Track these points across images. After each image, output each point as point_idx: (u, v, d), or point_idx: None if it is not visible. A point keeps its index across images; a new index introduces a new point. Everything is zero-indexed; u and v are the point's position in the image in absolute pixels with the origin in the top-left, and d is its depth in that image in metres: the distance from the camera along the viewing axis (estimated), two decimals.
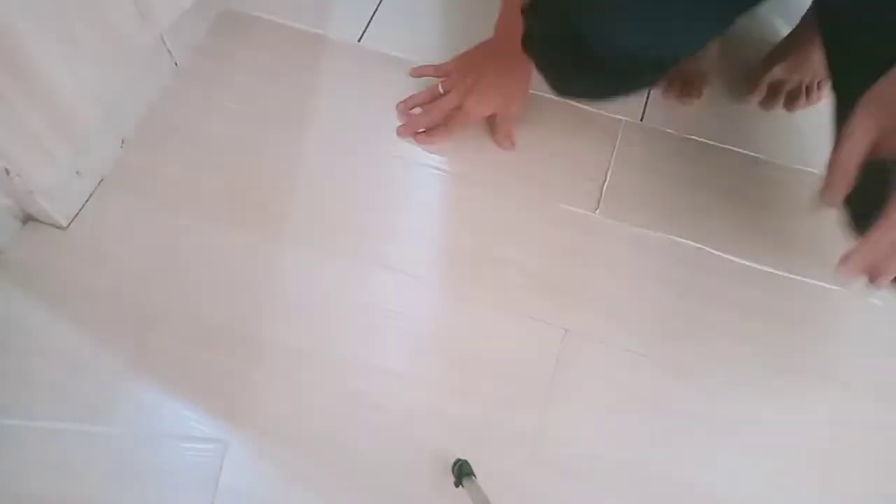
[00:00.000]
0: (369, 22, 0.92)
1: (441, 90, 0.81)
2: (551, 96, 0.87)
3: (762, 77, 0.87)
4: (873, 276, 0.58)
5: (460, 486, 0.60)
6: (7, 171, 0.63)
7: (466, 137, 0.83)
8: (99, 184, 0.77)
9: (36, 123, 0.62)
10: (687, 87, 0.87)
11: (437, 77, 0.83)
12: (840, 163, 0.54)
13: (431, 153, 0.82)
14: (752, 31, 0.94)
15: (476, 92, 0.78)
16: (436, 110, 0.81)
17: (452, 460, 0.63)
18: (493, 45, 0.81)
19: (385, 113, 0.84)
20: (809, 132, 0.87)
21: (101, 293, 0.71)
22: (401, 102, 0.84)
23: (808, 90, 0.87)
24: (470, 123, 0.80)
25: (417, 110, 0.83)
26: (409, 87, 0.86)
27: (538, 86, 0.88)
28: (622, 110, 0.87)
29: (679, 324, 0.73)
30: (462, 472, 0.60)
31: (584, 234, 0.78)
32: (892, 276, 0.57)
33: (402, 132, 0.82)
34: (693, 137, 0.85)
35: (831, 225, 0.80)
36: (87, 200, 0.76)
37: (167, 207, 0.76)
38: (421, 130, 0.82)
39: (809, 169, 0.84)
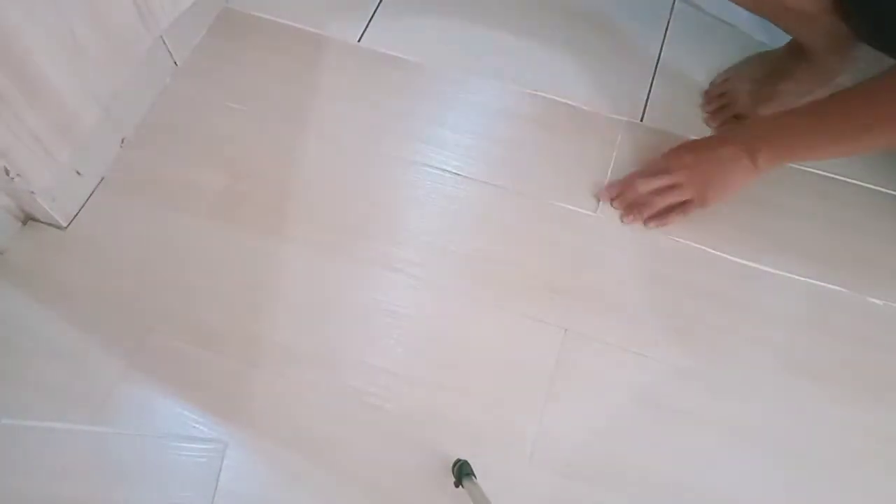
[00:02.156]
0: (369, 22, 0.92)
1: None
2: (553, 96, 0.87)
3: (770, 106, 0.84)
4: (626, 215, 0.77)
5: (460, 486, 0.60)
6: (7, 171, 0.63)
7: (466, 138, 0.83)
8: (99, 183, 0.77)
9: (36, 123, 0.62)
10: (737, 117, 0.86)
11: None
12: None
13: (432, 154, 0.82)
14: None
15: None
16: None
17: (452, 460, 0.63)
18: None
19: (384, 112, 0.84)
20: None
21: (101, 293, 0.71)
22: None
23: None
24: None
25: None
26: (408, 88, 0.86)
27: (539, 86, 0.88)
28: (623, 110, 0.86)
29: (679, 324, 0.73)
30: (462, 472, 0.60)
31: (584, 233, 0.78)
32: (644, 217, 0.75)
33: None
34: (693, 137, 0.85)
35: (832, 227, 0.80)
36: (86, 200, 0.76)
37: (167, 207, 0.76)
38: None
39: (810, 169, 0.83)
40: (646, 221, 0.78)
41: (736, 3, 0.77)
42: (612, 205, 0.79)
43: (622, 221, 0.78)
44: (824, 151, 0.70)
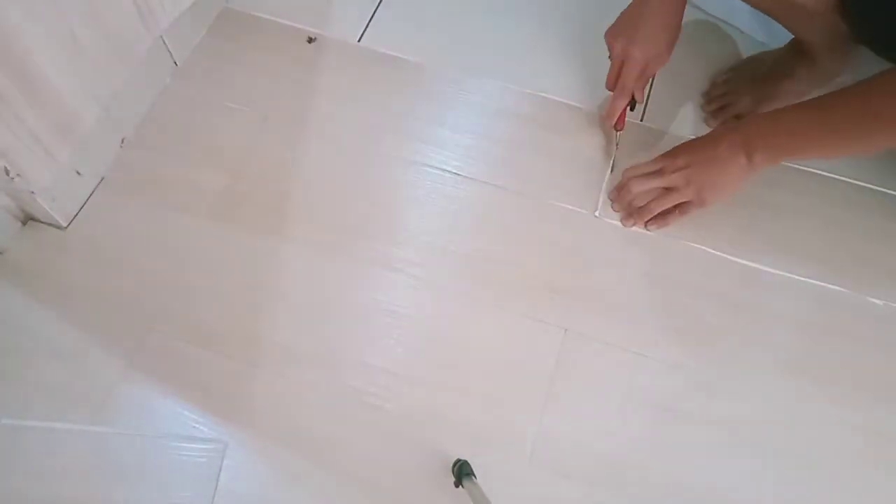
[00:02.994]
0: (369, 22, 0.92)
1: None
2: (553, 96, 0.88)
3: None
4: (626, 219, 0.79)
5: (460, 487, 0.60)
6: (7, 171, 0.63)
7: (466, 138, 0.83)
8: (99, 183, 0.77)
9: (35, 123, 0.62)
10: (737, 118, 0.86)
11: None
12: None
13: (432, 154, 0.82)
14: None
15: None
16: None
17: (452, 460, 0.63)
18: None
19: (384, 112, 0.84)
20: None
21: (101, 293, 0.71)
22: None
23: None
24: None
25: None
26: (408, 88, 0.86)
27: (539, 86, 0.88)
28: None
29: (679, 324, 0.73)
30: (462, 472, 0.60)
31: (584, 234, 0.78)
32: (643, 221, 0.78)
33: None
34: (693, 137, 0.85)
35: (832, 227, 0.80)
36: (86, 200, 0.76)
37: (167, 207, 0.76)
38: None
39: (810, 169, 0.83)
40: (647, 224, 0.78)
41: None
42: (612, 207, 0.79)
43: (623, 225, 0.78)
44: (821, 151, 0.69)
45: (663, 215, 0.77)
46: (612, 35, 0.78)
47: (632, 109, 0.81)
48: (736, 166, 0.70)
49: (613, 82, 0.79)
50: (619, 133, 0.82)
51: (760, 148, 0.69)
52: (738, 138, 0.70)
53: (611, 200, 0.80)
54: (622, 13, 0.78)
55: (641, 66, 0.76)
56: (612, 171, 0.81)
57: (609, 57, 0.79)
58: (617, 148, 0.82)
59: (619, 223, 0.79)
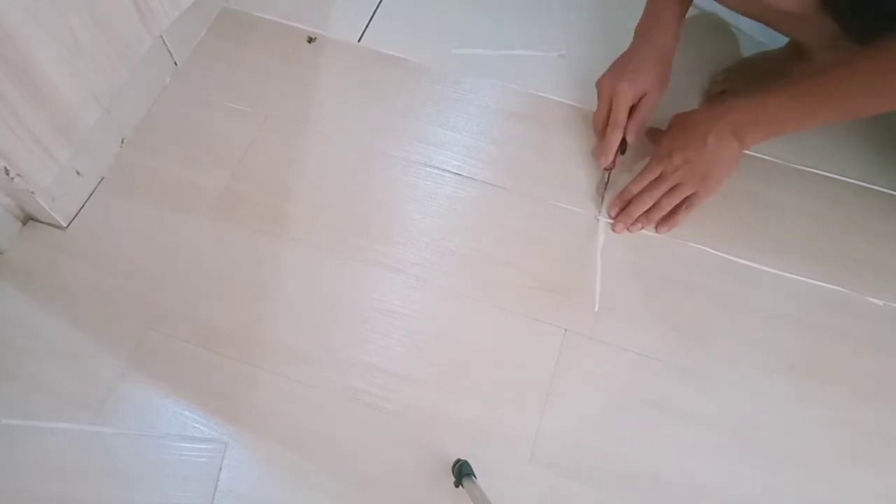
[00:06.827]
0: (369, 22, 0.92)
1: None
2: (553, 96, 0.87)
3: None
4: (633, 224, 0.78)
5: (460, 486, 0.60)
6: (7, 171, 0.63)
7: (466, 138, 0.84)
8: (99, 183, 0.77)
9: (35, 123, 0.62)
10: None
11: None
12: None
13: (432, 154, 0.82)
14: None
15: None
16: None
17: (452, 460, 0.63)
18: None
19: (384, 112, 0.84)
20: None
21: (101, 293, 0.71)
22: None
23: None
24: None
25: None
26: (408, 88, 0.86)
27: (539, 86, 0.88)
28: None
29: (679, 324, 0.73)
30: (462, 472, 0.60)
31: (584, 234, 0.78)
32: (654, 222, 0.78)
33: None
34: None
35: (832, 227, 0.80)
36: (86, 200, 0.76)
37: (167, 207, 0.76)
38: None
39: (810, 169, 0.84)
40: (657, 227, 0.78)
41: (724, 6, 0.77)
42: (613, 228, 0.78)
43: (629, 230, 0.78)
44: (809, 125, 0.71)
45: (671, 215, 0.77)
46: (601, 79, 0.79)
47: (622, 153, 0.79)
48: (730, 152, 0.72)
49: (602, 120, 0.78)
50: (609, 172, 0.81)
51: (749, 132, 0.71)
52: (725, 127, 0.71)
53: (615, 221, 0.78)
54: (613, 62, 0.79)
55: (630, 100, 0.76)
56: (600, 212, 0.79)
57: (598, 100, 0.79)
58: (606, 188, 0.80)
59: (618, 223, 0.79)
